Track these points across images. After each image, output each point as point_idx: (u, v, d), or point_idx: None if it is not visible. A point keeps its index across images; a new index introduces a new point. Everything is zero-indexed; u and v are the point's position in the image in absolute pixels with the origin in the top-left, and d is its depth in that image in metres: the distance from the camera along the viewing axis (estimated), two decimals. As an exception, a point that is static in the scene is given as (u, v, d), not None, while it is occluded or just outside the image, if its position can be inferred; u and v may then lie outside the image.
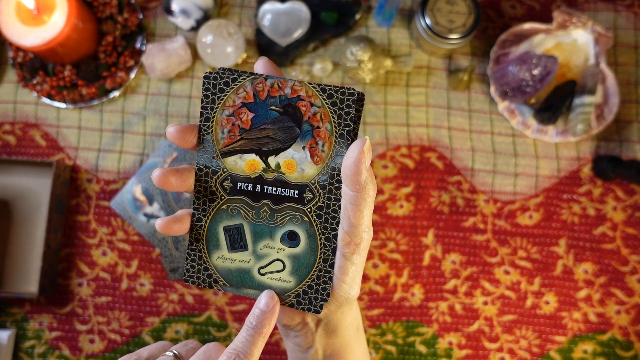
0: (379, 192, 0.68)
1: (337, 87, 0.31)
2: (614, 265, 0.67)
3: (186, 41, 0.68)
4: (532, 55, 0.63)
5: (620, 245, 0.68)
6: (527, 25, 0.67)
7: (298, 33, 0.68)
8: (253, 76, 0.32)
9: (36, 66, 0.68)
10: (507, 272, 0.68)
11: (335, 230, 0.31)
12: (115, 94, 0.69)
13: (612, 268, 0.67)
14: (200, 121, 0.32)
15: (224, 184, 0.32)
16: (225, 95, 0.32)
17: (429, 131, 0.69)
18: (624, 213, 0.68)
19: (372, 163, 0.69)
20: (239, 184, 0.32)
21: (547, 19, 0.71)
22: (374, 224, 0.68)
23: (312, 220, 0.32)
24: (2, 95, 0.69)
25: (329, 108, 0.31)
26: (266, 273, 0.32)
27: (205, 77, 0.32)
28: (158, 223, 0.31)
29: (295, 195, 0.32)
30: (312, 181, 0.31)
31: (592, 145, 0.69)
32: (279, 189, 0.32)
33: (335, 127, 0.31)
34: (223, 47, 0.66)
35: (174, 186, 0.31)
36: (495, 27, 0.71)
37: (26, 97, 0.69)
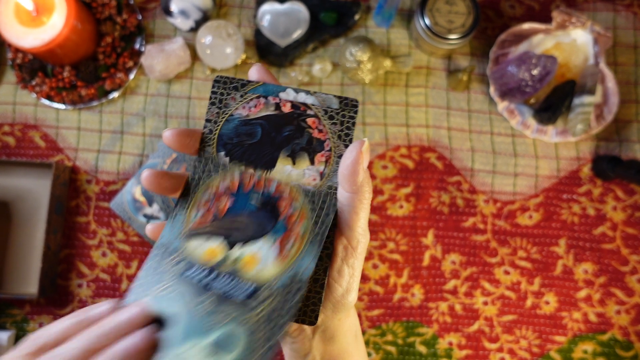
0: (379, 192, 0.68)
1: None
2: (614, 265, 0.67)
3: (185, 42, 0.68)
4: (532, 56, 0.63)
5: (620, 245, 0.68)
6: (527, 26, 0.67)
7: (297, 34, 0.68)
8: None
9: (35, 67, 0.68)
10: (507, 272, 0.68)
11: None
12: (115, 95, 0.69)
13: (612, 268, 0.67)
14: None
15: (176, 267, 0.30)
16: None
17: (428, 131, 0.69)
18: (624, 213, 0.68)
19: (370, 164, 0.69)
20: (188, 272, 0.29)
21: (546, 19, 0.71)
22: (374, 224, 0.68)
23: (257, 326, 0.28)
24: (2, 97, 0.69)
25: (308, 210, 0.31)
26: None
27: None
28: (149, 228, 0.31)
29: (249, 293, 0.28)
30: (269, 284, 0.29)
31: (591, 145, 0.69)
32: (232, 282, 0.29)
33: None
34: (222, 48, 0.66)
35: (164, 190, 0.31)
36: (494, 27, 0.71)
37: (25, 99, 0.69)
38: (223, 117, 0.32)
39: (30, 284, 0.66)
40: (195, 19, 0.68)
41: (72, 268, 0.67)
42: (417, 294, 0.67)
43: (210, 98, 0.33)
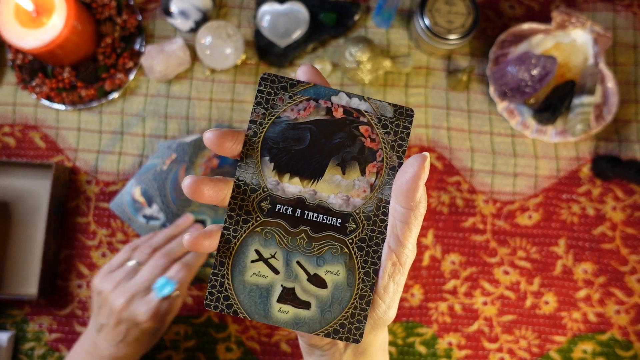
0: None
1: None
2: (613, 265, 0.67)
3: (185, 42, 0.68)
4: (531, 56, 0.63)
5: (620, 245, 0.68)
6: (526, 26, 0.67)
7: (297, 34, 0.68)
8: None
9: (35, 68, 0.68)
10: (506, 273, 0.68)
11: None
12: (115, 95, 0.69)
13: (611, 268, 0.67)
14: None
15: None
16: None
17: (428, 131, 0.69)
18: (624, 213, 0.68)
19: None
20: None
21: (546, 19, 0.71)
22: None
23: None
24: (2, 97, 0.69)
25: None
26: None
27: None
28: (186, 238, 0.29)
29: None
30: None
31: (591, 145, 0.69)
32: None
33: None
34: (222, 49, 0.66)
35: (206, 197, 0.29)
36: (494, 28, 0.71)
37: (25, 99, 0.69)
38: (269, 119, 0.30)
39: (30, 285, 0.66)
40: (195, 20, 0.68)
41: (71, 269, 0.67)
42: (416, 294, 0.68)
43: (256, 97, 0.30)
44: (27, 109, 0.69)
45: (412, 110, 0.30)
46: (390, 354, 0.67)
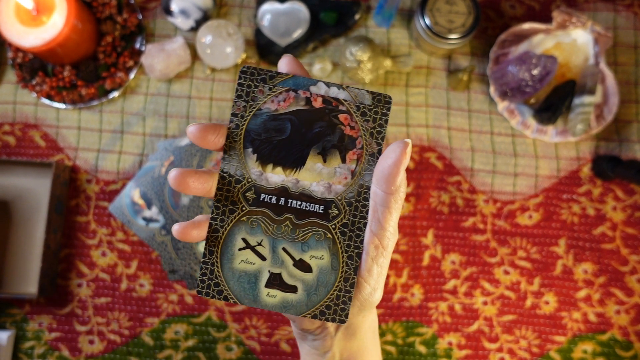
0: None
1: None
2: (613, 265, 0.67)
3: (185, 41, 0.68)
4: (532, 55, 0.63)
5: (620, 245, 0.68)
6: (527, 25, 0.67)
7: (297, 33, 0.68)
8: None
9: (36, 67, 0.68)
10: (506, 272, 0.68)
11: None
12: (115, 94, 0.69)
13: (611, 268, 0.67)
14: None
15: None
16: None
17: (428, 131, 0.69)
18: (624, 213, 0.68)
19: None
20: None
21: (546, 18, 0.71)
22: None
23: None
24: (2, 96, 0.69)
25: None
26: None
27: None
28: (175, 228, 0.30)
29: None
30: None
31: (591, 145, 0.69)
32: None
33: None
34: (222, 48, 0.66)
35: (192, 189, 0.30)
36: (494, 27, 0.71)
37: (26, 98, 0.69)
38: (250, 112, 0.31)
39: (30, 284, 0.66)
40: (195, 19, 0.68)
41: (71, 267, 0.67)
42: (416, 293, 0.67)
43: (237, 90, 0.31)
44: (27, 107, 0.69)
45: (389, 97, 0.31)
46: (390, 353, 0.67)
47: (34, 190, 0.67)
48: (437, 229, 0.68)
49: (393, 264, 0.68)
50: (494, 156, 0.69)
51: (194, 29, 0.69)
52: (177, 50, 0.67)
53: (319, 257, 0.30)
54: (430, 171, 0.69)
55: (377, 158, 0.30)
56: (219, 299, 0.30)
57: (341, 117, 0.31)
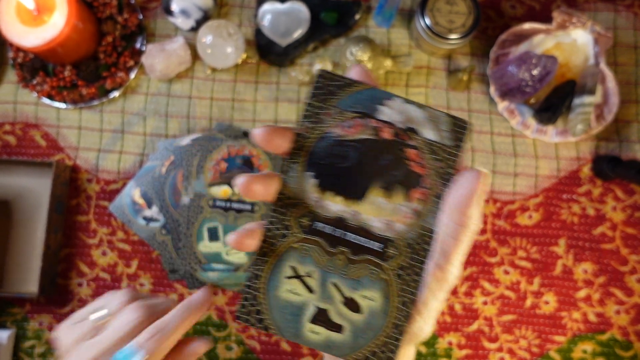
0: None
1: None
2: (613, 265, 0.68)
3: (186, 41, 0.68)
4: (532, 56, 0.63)
5: (620, 245, 0.68)
6: (527, 26, 0.67)
7: (298, 33, 0.68)
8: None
9: (36, 66, 0.68)
10: (506, 272, 0.68)
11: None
12: (115, 94, 0.69)
13: (611, 268, 0.67)
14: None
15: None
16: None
17: (428, 131, 0.69)
18: (624, 213, 0.68)
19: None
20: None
21: (547, 19, 0.71)
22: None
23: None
24: (3, 96, 0.69)
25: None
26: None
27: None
28: (231, 238, 0.28)
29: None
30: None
31: (591, 145, 0.69)
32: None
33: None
34: (223, 48, 0.66)
35: (257, 195, 0.28)
36: (495, 27, 0.71)
37: (26, 98, 0.69)
38: (316, 134, 0.29)
39: (30, 283, 0.66)
40: (196, 19, 0.68)
41: (72, 267, 0.67)
42: (417, 293, 0.68)
43: (312, 95, 0.29)
44: (28, 107, 0.69)
45: (467, 123, 0.29)
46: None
47: (35, 189, 0.67)
48: (437, 229, 0.68)
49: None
50: (494, 156, 0.69)
51: (195, 29, 0.69)
52: (178, 50, 0.67)
53: (370, 298, 0.28)
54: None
55: (442, 199, 0.28)
56: (259, 327, 0.28)
57: (410, 152, 0.29)
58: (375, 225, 0.29)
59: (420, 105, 0.29)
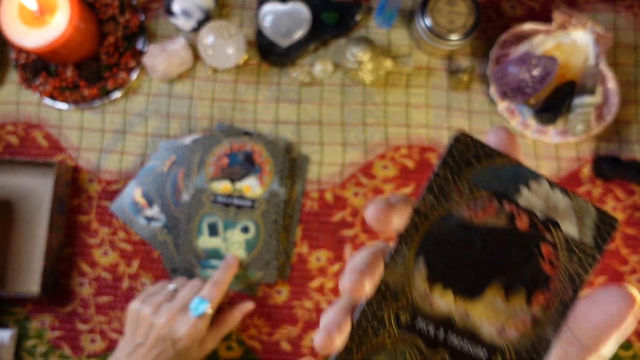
0: (379, 192, 0.69)
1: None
2: (613, 265, 0.68)
3: (187, 42, 0.69)
4: (532, 56, 0.64)
5: (620, 245, 0.68)
6: (527, 26, 0.67)
7: (299, 34, 0.68)
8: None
9: (38, 67, 0.68)
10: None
11: None
12: (117, 94, 0.69)
13: (611, 268, 0.68)
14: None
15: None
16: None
17: (428, 132, 0.69)
18: (624, 213, 0.68)
19: (370, 164, 0.69)
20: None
21: (547, 19, 0.71)
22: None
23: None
24: (5, 97, 0.70)
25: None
26: None
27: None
28: (317, 340, 0.23)
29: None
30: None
31: (591, 146, 0.69)
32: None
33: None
34: (224, 48, 0.67)
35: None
36: (495, 28, 0.72)
37: (29, 98, 0.70)
38: (438, 213, 0.25)
39: (32, 283, 0.66)
40: (197, 19, 0.68)
41: (73, 267, 0.67)
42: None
43: (443, 162, 0.24)
44: (30, 107, 0.70)
45: (615, 222, 0.24)
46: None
47: (37, 189, 0.68)
48: (437, 229, 0.68)
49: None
50: (494, 156, 0.69)
51: (196, 29, 0.69)
52: (179, 51, 0.68)
53: None
54: (428, 169, 0.69)
55: (569, 308, 0.24)
56: None
57: (544, 248, 0.24)
58: (486, 329, 0.24)
59: (566, 192, 0.25)
